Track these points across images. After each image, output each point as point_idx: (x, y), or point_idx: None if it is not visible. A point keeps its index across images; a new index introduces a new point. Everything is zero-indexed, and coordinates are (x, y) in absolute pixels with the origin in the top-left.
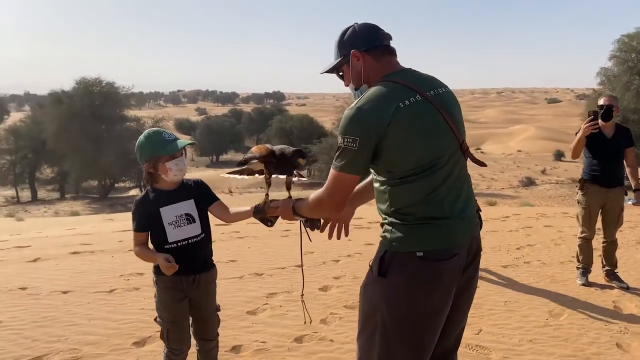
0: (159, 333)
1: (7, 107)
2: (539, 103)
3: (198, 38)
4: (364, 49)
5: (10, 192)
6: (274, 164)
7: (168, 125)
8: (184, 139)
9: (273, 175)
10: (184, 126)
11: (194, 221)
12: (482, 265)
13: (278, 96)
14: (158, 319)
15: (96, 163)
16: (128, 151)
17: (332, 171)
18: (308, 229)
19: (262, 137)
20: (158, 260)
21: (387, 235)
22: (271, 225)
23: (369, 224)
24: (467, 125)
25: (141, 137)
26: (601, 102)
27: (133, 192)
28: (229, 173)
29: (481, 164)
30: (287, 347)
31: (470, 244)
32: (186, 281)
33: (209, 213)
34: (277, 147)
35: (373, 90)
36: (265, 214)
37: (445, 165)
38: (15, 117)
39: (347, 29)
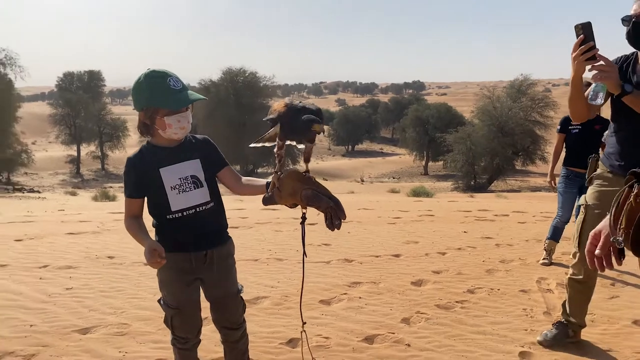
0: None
1: None
2: None
3: (341, 30)
4: None
5: None
6: (290, 124)
7: None
8: (194, 92)
9: (287, 143)
10: (323, 116)
11: (202, 185)
12: None
13: (417, 86)
14: (162, 302)
15: (238, 148)
16: None
17: None
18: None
19: (397, 127)
20: (144, 246)
21: None
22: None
23: (494, 217)
24: None
25: (141, 76)
26: None
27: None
28: (255, 143)
29: None
30: (352, 347)
31: None
32: (196, 259)
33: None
34: (298, 103)
35: None
36: (273, 201)
37: None
38: None
39: None
